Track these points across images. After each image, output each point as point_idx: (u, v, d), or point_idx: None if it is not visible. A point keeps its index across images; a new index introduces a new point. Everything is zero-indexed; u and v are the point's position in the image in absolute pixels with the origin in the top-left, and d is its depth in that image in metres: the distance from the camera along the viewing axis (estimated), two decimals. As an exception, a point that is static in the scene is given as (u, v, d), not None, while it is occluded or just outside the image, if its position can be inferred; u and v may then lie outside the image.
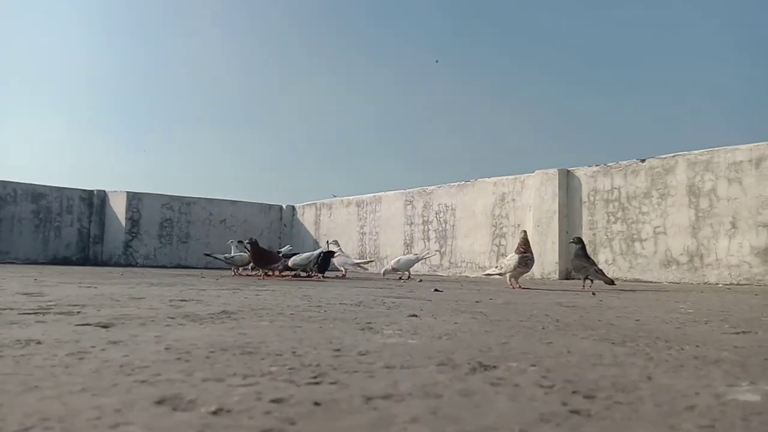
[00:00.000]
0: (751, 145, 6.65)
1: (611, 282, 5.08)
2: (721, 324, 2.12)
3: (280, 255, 6.72)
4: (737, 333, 1.84)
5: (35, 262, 11.23)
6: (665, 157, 7.41)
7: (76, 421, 0.73)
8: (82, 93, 27.92)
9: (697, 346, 1.51)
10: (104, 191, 12.60)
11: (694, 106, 22.58)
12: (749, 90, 22.52)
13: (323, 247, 7.23)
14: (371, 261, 10.18)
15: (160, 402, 0.83)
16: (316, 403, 0.84)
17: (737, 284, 6.42)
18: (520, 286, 5.00)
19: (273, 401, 0.85)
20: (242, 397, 0.87)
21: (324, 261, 6.61)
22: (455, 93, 26.51)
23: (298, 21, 28.61)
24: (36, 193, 11.89)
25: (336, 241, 7.63)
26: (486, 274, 5.64)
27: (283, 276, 6.73)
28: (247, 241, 6.42)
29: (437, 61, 25.62)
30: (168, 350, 1.28)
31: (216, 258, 7.71)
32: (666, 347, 1.47)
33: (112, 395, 0.87)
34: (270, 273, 6.76)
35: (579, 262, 5.08)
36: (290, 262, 6.51)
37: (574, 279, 7.33)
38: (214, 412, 0.78)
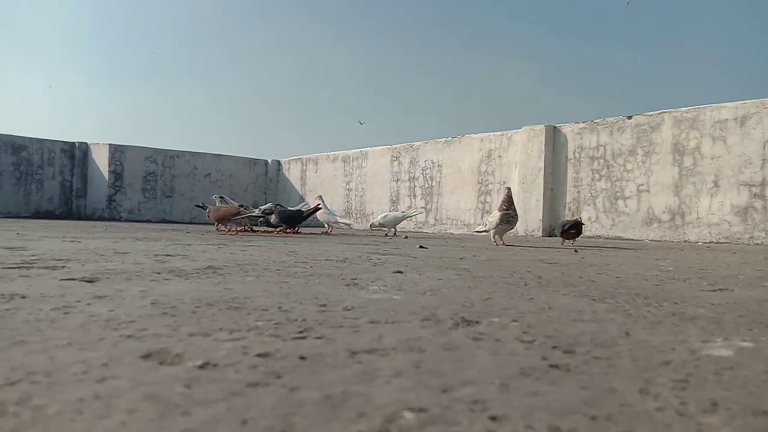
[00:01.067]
0: (737, 102, 6.65)
1: (579, 224, 5.30)
2: (699, 281, 2.17)
3: (261, 211, 6.71)
4: (714, 290, 1.88)
5: (17, 216, 11.11)
6: (652, 114, 7.41)
7: (62, 375, 0.73)
8: (64, 41, 27.12)
9: (675, 303, 1.55)
10: (86, 143, 12.40)
11: (685, 61, 22.43)
12: (741, 46, 22.44)
13: (304, 203, 7.28)
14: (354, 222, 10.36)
15: (146, 356, 0.84)
16: (302, 357, 0.86)
17: (717, 242, 6.54)
18: (504, 243, 5.05)
19: (259, 355, 0.86)
20: (228, 351, 0.88)
21: (300, 217, 6.64)
22: (444, 47, 26.11)
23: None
24: (16, 145, 11.66)
25: (320, 196, 7.66)
26: (475, 232, 5.71)
27: (268, 231, 6.74)
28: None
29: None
30: (154, 305, 1.28)
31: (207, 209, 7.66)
32: (645, 304, 1.51)
33: (99, 349, 0.87)
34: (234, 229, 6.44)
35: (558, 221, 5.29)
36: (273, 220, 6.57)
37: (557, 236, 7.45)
38: (201, 366, 0.79)
